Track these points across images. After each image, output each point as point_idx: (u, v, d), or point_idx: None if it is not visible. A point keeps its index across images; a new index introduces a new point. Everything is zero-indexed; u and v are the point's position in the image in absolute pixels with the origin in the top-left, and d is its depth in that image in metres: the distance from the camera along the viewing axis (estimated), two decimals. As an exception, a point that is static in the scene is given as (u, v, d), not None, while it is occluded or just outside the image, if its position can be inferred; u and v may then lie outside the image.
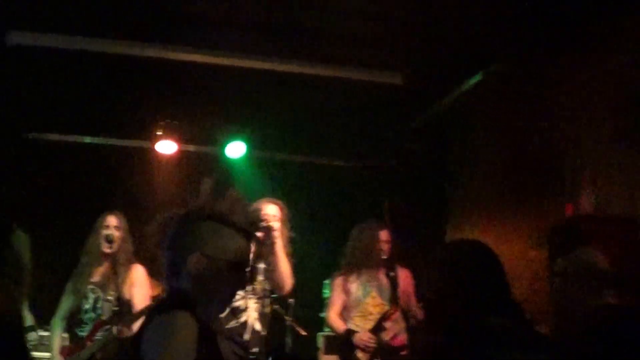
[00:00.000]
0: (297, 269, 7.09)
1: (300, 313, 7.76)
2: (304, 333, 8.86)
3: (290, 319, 7.90)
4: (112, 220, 7.29)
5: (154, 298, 7.33)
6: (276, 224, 6.80)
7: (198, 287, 3.24)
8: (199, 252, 3.26)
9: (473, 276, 3.60)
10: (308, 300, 8.83)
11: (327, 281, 9.79)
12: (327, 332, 9.11)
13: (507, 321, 3.46)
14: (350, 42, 8.43)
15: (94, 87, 9.54)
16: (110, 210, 7.45)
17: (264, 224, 6.73)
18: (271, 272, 6.74)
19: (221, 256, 3.29)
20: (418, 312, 7.80)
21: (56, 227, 10.71)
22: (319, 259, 10.14)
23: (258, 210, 6.88)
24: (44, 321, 8.65)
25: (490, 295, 3.54)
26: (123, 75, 9.22)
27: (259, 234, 6.65)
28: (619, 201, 7.17)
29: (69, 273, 7.48)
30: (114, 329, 6.83)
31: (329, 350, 9.18)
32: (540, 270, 7.92)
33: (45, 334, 8.49)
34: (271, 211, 6.91)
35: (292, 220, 7.23)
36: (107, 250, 7.16)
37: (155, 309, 3.26)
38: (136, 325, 6.86)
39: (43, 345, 8.77)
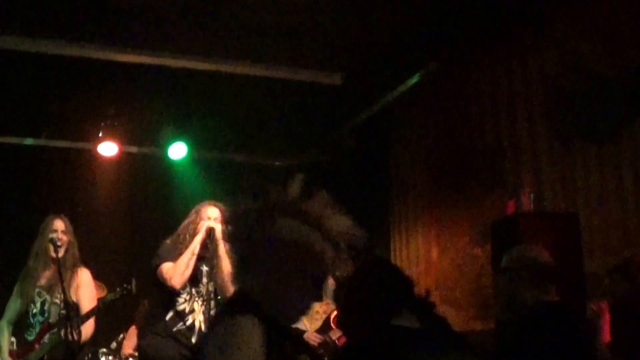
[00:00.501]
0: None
1: None
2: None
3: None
4: (58, 224, 7.16)
5: (99, 300, 7.27)
6: (218, 226, 6.82)
7: (272, 291, 2.94)
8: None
9: (371, 288, 3.70)
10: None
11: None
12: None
13: (414, 323, 3.52)
14: (291, 41, 8.48)
15: (35, 88, 9.48)
16: (56, 213, 7.34)
17: (204, 225, 6.76)
18: (215, 274, 6.75)
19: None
20: None
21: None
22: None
23: (199, 212, 6.90)
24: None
25: (393, 302, 3.60)
26: (63, 76, 9.18)
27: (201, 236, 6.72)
28: (556, 197, 7.31)
29: (13, 276, 7.45)
30: (62, 332, 6.75)
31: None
32: (484, 266, 8.02)
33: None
34: (212, 213, 6.89)
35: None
36: (54, 254, 7.01)
37: (222, 312, 3.14)
38: (85, 328, 6.89)
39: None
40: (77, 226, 9.95)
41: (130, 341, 9.31)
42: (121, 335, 9.30)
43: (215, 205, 6.93)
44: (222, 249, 6.70)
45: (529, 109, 7.73)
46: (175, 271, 6.67)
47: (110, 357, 8.62)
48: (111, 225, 11.44)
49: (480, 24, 8.04)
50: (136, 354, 8.52)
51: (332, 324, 7.76)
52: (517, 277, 4.71)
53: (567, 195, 7.22)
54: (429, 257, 9.43)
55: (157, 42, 8.57)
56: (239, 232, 3.02)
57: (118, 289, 7.08)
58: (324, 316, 7.83)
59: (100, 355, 8.51)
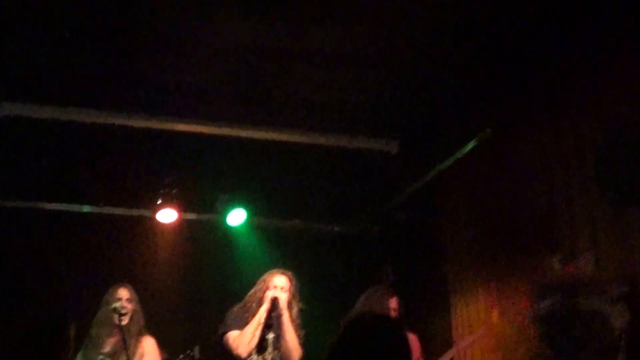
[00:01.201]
0: (306, 338, 7.12)
1: None
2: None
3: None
4: (123, 292, 7.31)
5: None
6: (283, 295, 6.84)
7: None
8: None
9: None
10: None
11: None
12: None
13: None
14: (348, 112, 8.52)
15: (93, 157, 9.62)
16: (120, 282, 7.46)
17: (270, 294, 6.78)
18: (280, 342, 6.76)
19: None
20: None
21: (58, 294, 10.74)
22: (324, 326, 10.13)
23: (266, 281, 6.93)
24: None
25: None
26: (122, 145, 9.31)
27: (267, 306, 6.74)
28: (613, 263, 7.22)
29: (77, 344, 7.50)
30: None
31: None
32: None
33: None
34: (280, 282, 6.98)
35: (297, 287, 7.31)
36: (119, 323, 7.11)
37: None
38: None
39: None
40: (138, 293, 10.08)
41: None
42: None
43: (282, 274, 7.14)
44: (287, 318, 6.78)
45: (581, 173, 7.69)
46: (242, 340, 6.83)
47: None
48: (171, 292, 11.45)
49: (532, 89, 8.04)
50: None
51: None
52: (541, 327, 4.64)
53: (624, 260, 7.14)
54: (489, 319, 9.34)
55: (216, 113, 8.66)
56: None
57: (181, 356, 7.03)
58: None
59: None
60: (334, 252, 11.86)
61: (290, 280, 7.16)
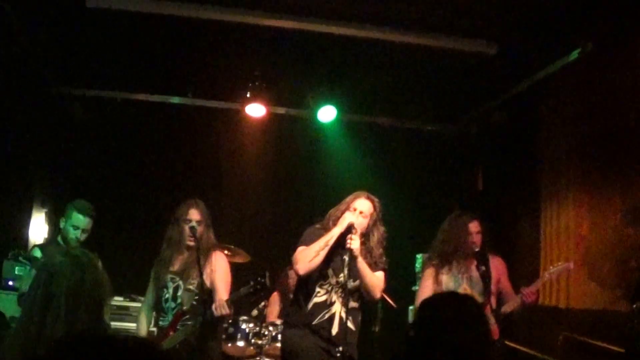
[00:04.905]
0: (388, 240, 6.96)
1: (391, 285, 7.51)
2: (394, 305, 8.81)
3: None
4: (194, 214, 7.15)
5: (232, 294, 7.04)
6: (362, 221, 6.64)
7: None
8: None
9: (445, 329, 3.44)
10: (399, 273, 8.69)
11: (419, 255, 9.72)
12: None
13: None
14: (446, 9, 8.29)
15: (185, 49, 9.58)
16: (193, 201, 7.28)
17: (348, 217, 6.59)
18: (353, 268, 6.57)
19: None
20: (515, 297, 7.72)
21: (145, 182, 10.87)
22: (409, 229, 10.06)
23: (349, 202, 6.75)
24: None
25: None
26: (213, 39, 9.22)
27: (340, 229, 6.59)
28: None
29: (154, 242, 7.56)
30: (196, 320, 6.79)
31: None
32: (634, 247, 7.80)
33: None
34: (362, 206, 6.73)
35: (382, 187, 7.30)
36: (191, 244, 7.08)
37: None
38: (225, 310, 6.79)
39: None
40: (221, 188, 10.09)
41: (272, 308, 9.32)
42: (263, 303, 9.30)
43: (367, 198, 6.81)
44: (361, 262, 6.56)
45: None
46: (302, 256, 6.64)
47: (251, 325, 8.60)
48: (256, 186, 11.48)
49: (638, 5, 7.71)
50: (278, 322, 8.52)
51: None
52: None
53: None
54: (578, 232, 9.19)
55: (307, 8, 8.47)
56: None
57: (252, 283, 6.87)
58: None
59: (241, 323, 8.53)
60: (427, 152, 11.71)
61: (375, 206, 6.82)
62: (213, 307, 6.72)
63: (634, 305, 7.31)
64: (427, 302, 3.68)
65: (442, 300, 3.81)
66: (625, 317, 7.35)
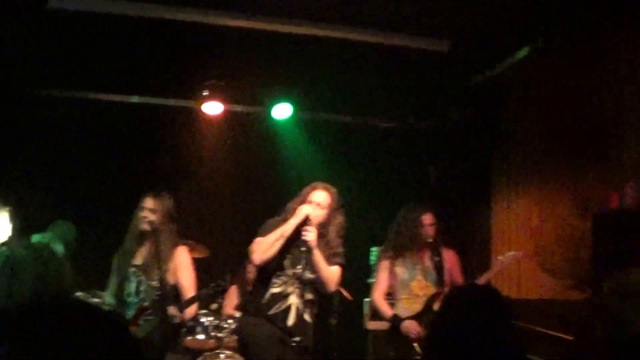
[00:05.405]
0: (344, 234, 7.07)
1: (347, 278, 7.58)
2: (350, 298, 8.98)
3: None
4: (148, 202, 7.11)
5: (194, 297, 7.06)
6: (319, 212, 6.74)
7: None
8: None
9: (470, 322, 3.52)
10: (355, 266, 8.83)
11: (374, 249, 9.89)
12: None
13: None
14: (400, 8, 8.43)
15: (143, 49, 9.62)
16: (153, 192, 7.26)
17: (304, 209, 6.68)
18: (309, 260, 6.68)
19: None
20: None
21: (104, 183, 10.91)
22: (365, 223, 10.21)
23: (306, 194, 6.84)
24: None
25: (485, 342, 3.46)
26: (171, 38, 9.27)
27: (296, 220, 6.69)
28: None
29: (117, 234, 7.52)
30: (158, 316, 6.71)
31: (375, 317, 9.25)
32: (584, 237, 7.98)
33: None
34: (318, 198, 6.83)
35: (337, 182, 7.21)
36: (145, 228, 7.02)
37: None
38: (189, 311, 6.95)
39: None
40: (179, 184, 10.17)
41: (230, 300, 9.46)
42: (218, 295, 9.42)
43: (324, 189, 6.91)
44: (317, 255, 6.66)
45: (634, 91, 7.61)
46: (258, 247, 6.75)
47: (210, 318, 8.75)
48: (215, 183, 11.62)
49: (588, 2, 7.91)
50: (237, 314, 8.67)
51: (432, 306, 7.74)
52: (626, 302, 4.59)
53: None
54: (529, 224, 9.43)
55: (263, 7, 8.59)
56: None
57: (212, 285, 6.98)
58: (424, 299, 7.85)
59: (200, 317, 8.64)
60: (382, 148, 11.88)
61: (332, 196, 6.90)
62: (177, 310, 6.78)
63: (585, 295, 7.54)
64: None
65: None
66: (577, 305, 7.56)
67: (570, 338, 7.42)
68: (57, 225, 9.07)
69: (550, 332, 7.75)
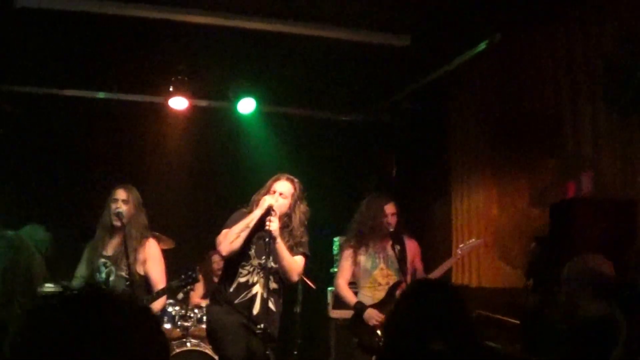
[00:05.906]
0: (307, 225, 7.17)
1: (310, 267, 7.73)
2: (314, 287, 9.12)
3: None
4: (120, 193, 7.17)
5: (163, 289, 7.11)
6: (282, 201, 6.86)
7: None
8: None
9: (424, 317, 3.61)
10: (318, 256, 8.92)
11: (336, 239, 10.07)
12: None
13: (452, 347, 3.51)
14: (361, 3, 8.56)
15: (108, 46, 9.70)
16: (124, 184, 7.34)
17: (268, 199, 6.81)
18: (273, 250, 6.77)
19: None
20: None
21: (72, 175, 11.01)
22: (327, 214, 10.34)
23: (270, 185, 6.95)
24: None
25: (439, 327, 3.55)
26: (136, 35, 9.35)
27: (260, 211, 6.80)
28: (616, 176, 7.34)
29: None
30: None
31: (337, 305, 9.46)
32: (541, 227, 8.08)
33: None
34: (281, 188, 6.93)
35: (300, 174, 7.29)
36: (117, 224, 7.07)
37: None
38: (155, 305, 6.98)
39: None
40: (146, 178, 10.26)
41: (197, 291, 9.62)
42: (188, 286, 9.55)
43: (287, 179, 7.01)
44: (280, 244, 6.76)
45: (588, 82, 7.76)
46: (225, 238, 6.83)
47: (177, 308, 8.92)
48: (181, 176, 11.76)
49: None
50: (203, 304, 8.84)
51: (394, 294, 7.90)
52: (579, 289, 4.78)
53: (626, 171, 7.24)
54: (488, 215, 9.58)
55: (227, 3, 8.71)
56: None
57: (182, 277, 7.02)
58: (387, 287, 8.01)
59: (167, 306, 8.80)
60: (343, 140, 12.07)
61: (295, 186, 7.01)
62: (147, 302, 6.76)
63: (527, 282, 7.71)
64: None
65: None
66: (527, 293, 7.74)
67: (517, 322, 7.56)
68: (30, 228, 9.18)
69: (509, 319, 7.90)
